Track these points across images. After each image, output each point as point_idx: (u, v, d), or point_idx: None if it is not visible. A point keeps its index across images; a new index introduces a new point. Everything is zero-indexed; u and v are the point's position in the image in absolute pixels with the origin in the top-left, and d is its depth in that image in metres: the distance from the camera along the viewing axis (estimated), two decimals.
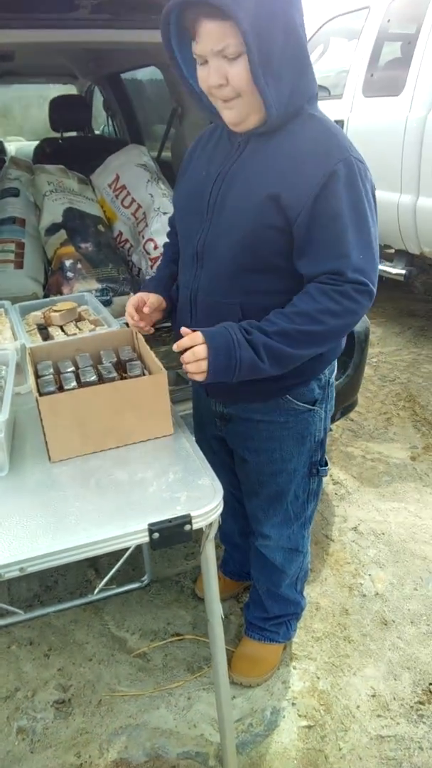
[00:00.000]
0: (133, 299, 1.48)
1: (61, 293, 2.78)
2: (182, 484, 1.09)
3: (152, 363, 1.31)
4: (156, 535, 0.98)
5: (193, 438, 1.25)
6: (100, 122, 5.33)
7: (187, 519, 1.00)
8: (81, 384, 1.26)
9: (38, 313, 1.66)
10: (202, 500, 1.04)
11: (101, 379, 1.30)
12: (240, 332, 1.22)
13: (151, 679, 1.90)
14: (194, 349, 1.21)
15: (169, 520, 0.99)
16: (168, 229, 1.67)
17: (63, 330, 1.61)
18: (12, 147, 5.59)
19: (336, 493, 2.71)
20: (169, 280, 1.58)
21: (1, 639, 2.05)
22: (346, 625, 2.06)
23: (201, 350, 1.20)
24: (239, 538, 2.02)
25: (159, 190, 2.96)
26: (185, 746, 1.71)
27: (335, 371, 1.57)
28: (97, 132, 5.18)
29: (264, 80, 1.13)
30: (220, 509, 1.05)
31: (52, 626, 2.10)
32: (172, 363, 2.56)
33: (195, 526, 1.00)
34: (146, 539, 0.99)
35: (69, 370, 1.33)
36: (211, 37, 1.12)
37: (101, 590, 2.09)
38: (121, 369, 1.36)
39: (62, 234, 2.85)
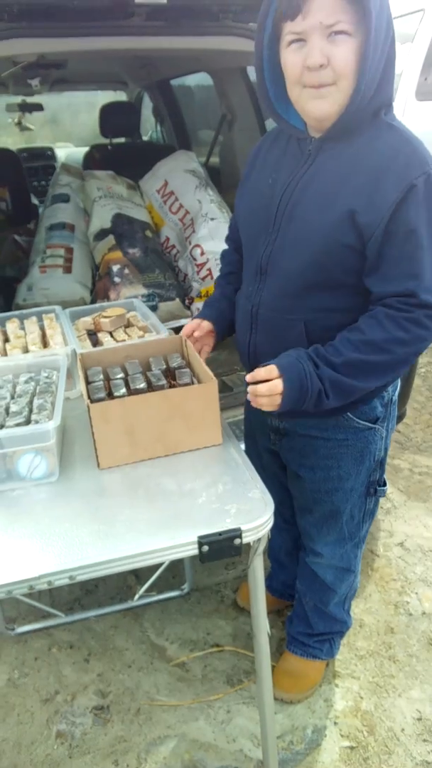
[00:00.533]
0: (188, 327, 1.48)
1: (108, 298, 2.80)
2: (232, 495, 1.07)
3: (202, 371, 1.30)
4: (205, 548, 0.96)
5: (242, 448, 1.22)
6: (148, 128, 5.38)
7: (237, 533, 0.98)
8: (131, 391, 1.25)
9: (88, 318, 1.66)
10: (253, 513, 1.02)
11: (150, 387, 1.29)
12: (311, 364, 1.19)
13: (190, 690, 1.88)
14: (271, 384, 1.18)
15: (219, 534, 0.97)
16: (226, 233, 1.61)
17: (112, 336, 1.61)
18: (62, 153, 5.68)
19: (382, 507, 2.64)
20: (224, 302, 1.52)
21: (42, 641, 2.06)
22: (392, 645, 2.00)
23: (277, 385, 1.18)
24: (285, 556, 1.98)
25: (207, 196, 2.95)
26: (224, 761, 1.68)
27: (398, 389, 1.50)
28: (144, 138, 5.23)
29: (369, 64, 1.07)
30: (271, 523, 1.02)
31: (92, 630, 2.10)
32: (218, 370, 2.56)
33: (245, 540, 0.98)
34: (195, 552, 0.97)
35: (119, 376, 1.33)
36: (324, 9, 1.05)
37: (141, 597, 2.09)
38: (170, 376, 1.35)
39: (110, 239, 2.87)
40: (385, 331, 1.16)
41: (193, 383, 1.30)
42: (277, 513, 1.76)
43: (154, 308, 2.80)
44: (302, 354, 1.21)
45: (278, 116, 1.27)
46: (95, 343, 1.61)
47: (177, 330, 2.94)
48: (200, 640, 2.05)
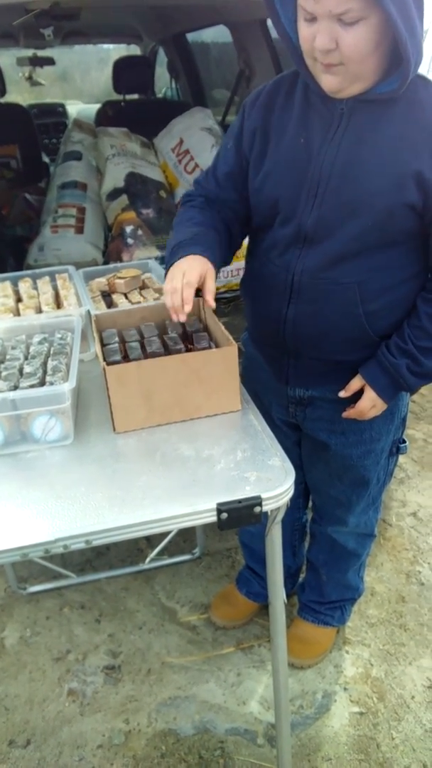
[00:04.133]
0: (193, 276, 1.17)
1: (120, 260, 2.75)
2: (251, 463, 1.04)
3: (221, 335, 1.26)
4: (224, 515, 0.94)
5: (261, 415, 1.19)
6: (161, 85, 5.22)
7: (257, 501, 0.95)
8: (147, 354, 1.22)
9: (102, 279, 1.62)
10: (273, 482, 0.99)
11: (167, 350, 1.25)
12: (385, 352, 1.27)
13: (200, 651, 1.89)
14: (366, 397, 1.30)
15: (239, 501, 0.95)
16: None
17: (127, 298, 1.57)
18: (73, 110, 5.54)
19: (395, 477, 2.62)
20: (218, 245, 1.29)
21: (54, 601, 2.08)
22: (403, 613, 2.00)
23: (368, 392, 1.30)
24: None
25: None
26: (234, 722, 1.69)
27: None
28: (159, 95, 5.08)
29: (405, 34, 0.98)
30: (291, 492, 0.99)
31: (104, 592, 2.11)
32: (233, 335, 2.52)
33: (265, 508, 0.95)
34: (214, 519, 0.95)
35: (134, 339, 1.29)
36: None
37: (152, 560, 2.10)
38: (188, 340, 1.31)
39: (124, 199, 2.81)
40: None
41: (211, 347, 1.26)
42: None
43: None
44: (382, 357, 1.27)
45: (307, 71, 1.15)
46: (110, 304, 1.57)
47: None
48: (211, 604, 2.06)
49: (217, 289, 2.87)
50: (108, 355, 1.21)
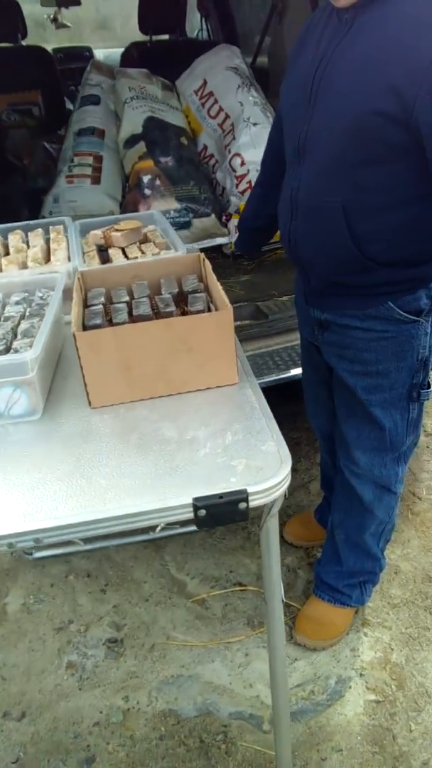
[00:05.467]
0: None
1: (137, 212, 2.58)
2: (241, 447, 0.89)
3: (219, 297, 1.10)
4: (202, 512, 0.81)
5: (260, 390, 1.04)
6: (195, 26, 4.90)
7: (242, 495, 0.81)
8: (132, 318, 1.08)
9: (98, 232, 1.47)
10: (264, 472, 0.84)
11: (158, 314, 1.11)
12: None
13: (208, 629, 1.80)
14: None
15: (220, 496, 0.81)
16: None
17: (125, 252, 1.42)
18: (101, 54, 5.26)
19: (427, 447, 2.44)
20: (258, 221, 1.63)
21: (60, 567, 2.01)
22: (429, 594, 1.86)
23: None
24: None
25: (250, 98, 2.64)
26: (238, 706, 1.60)
27: None
28: (191, 36, 4.78)
29: None
30: (287, 483, 0.85)
31: (111, 560, 2.04)
32: (253, 294, 2.35)
33: (253, 504, 0.81)
34: (190, 515, 0.82)
35: (123, 300, 1.15)
36: None
37: (164, 528, 2.00)
38: (183, 301, 1.16)
39: (141, 146, 2.62)
40: None
41: (208, 311, 1.11)
42: (327, 430, 1.70)
43: (187, 224, 2.57)
44: None
45: None
46: (105, 260, 1.43)
47: (214, 250, 2.73)
48: (222, 577, 1.96)
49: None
50: (88, 318, 1.08)
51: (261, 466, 0.85)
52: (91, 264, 1.35)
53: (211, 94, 2.72)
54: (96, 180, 2.73)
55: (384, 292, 1.28)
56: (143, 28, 3.77)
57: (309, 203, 1.25)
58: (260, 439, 0.91)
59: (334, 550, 1.71)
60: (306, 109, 1.21)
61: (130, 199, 2.60)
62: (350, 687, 1.64)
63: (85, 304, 1.15)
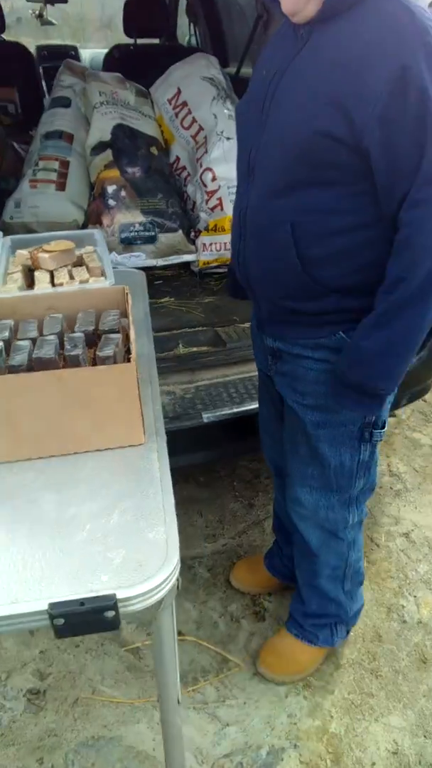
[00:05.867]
0: None
1: (100, 223, 2.45)
2: (125, 533, 0.74)
3: (132, 341, 0.96)
4: (60, 620, 0.66)
5: (166, 453, 0.90)
6: (186, 33, 4.78)
7: (109, 602, 0.66)
8: (31, 360, 0.94)
9: (25, 252, 1.33)
10: (144, 569, 0.69)
11: (64, 359, 0.97)
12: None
13: (138, 682, 1.66)
14: None
15: (81, 602, 0.66)
16: None
17: (52, 277, 1.28)
18: (88, 54, 5.12)
19: (391, 488, 2.32)
20: None
21: None
22: (377, 655, 1.73)
23: None
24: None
25: (225, 111, 2.52)
26: None
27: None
28: (183, 44, 4.66)
29: None
30: (171, 582, 0.71)
31: None
32: (213, 319, 2.22)
33: (124, 611, 0.67)
34: (46, 623, 0.67)
35: (29, 335, 1.01)
36: None
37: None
38: (97, 343, 1.02)
39: (108, 154, 2.49)
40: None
41: (125, 354, 0.97)
42: (283, 467, 1.55)
43: (152, 239, 2.45)
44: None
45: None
46: (30, 284, 1.29)
47: (181, 267, 2.60)
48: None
49: (208, 263, 2.52)
50: None
51: (142, 560, 0.71)
52: (8, 288, 1.20)
53: (185, 104, 2.60)
54: (61, 186, 2.59)
55: (336, 320, 1.21)
56: (127, 30, 3.65)
57: (257, 223, 1.19)
58: (150, 522, 0.76)
59: (298, 589, 1.63)
60: (257, 126, 1.15)
61: (93, 209, 2.46)
62: (282, 759, 1.50)
63: None
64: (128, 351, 1.04)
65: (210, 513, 2.22)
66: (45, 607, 0.66)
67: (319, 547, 1.50)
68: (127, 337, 1.05)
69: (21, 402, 0.84)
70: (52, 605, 0.66)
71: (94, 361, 0.99)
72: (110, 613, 0.66)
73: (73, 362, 0.97)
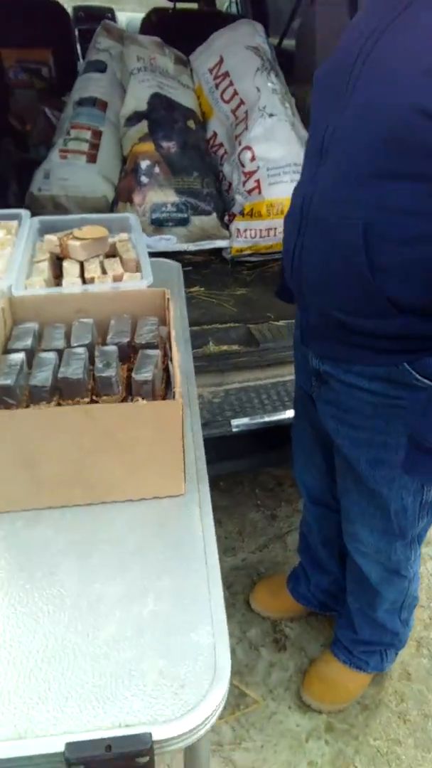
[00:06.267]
0: None
1: (131, 201, 2.27)
2: (163, 628, 0.57)
3: (175, 362, 0.80)
4: None
5: (210, 507, 0.73)
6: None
7: (143, 747, 0.48)
8: (57, 379, 0.78)
9: (54, 237, 1.16)
10: (185, 694, 0.52)
11: (93, 378, 0.81)
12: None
13: None
14: None
15: (108, 746, 0.48)
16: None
17: (82, 268, 1.12)
18: (124, 17, 4.87)
19: None
20: None
21: None
22: (405, 696, 1.60)
23: None
24: (326, 553, 1.58)
25: (269, 84, 2.31)
26: None
27: None
28: (222, 9, 4.40)
29: None
30: (219, 710, 0.54)
31: None
32: (246, 315, 2.05)
33: (160, 752, 0.51)
34: None
35: (55, 345, 0.85)
36: None
37: None
38: (131, 358, 0.86)
39: (143, 126, 2.30)
40: None
41: (153, 384, 0.80)
42: (318, 494, 1.47)
43: (185, 221, 2.27)
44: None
45: None
46: (57, 275, 1.12)
47: (212, 253, 2.42)
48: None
49: (241, 250, 2.31)
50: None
51: (183, 677, 0.53)
52: (31, 282, 1.04)
53: (226, 74, 2.39)
54: (92, 158, 2.41)
55: (400, 348, 1.03)
56: None
57: (322, 217, 1.00)
58: (192, 613, 0.59)
59: (349, 615, 1.49)
60: (339, 98, 0.96)
61: (124, 185, 2.28)
62: None
63: (5, 348, 0.85)
64: (166, 370, 0.88)
65: (229, 523, 2.08)
66: (60, 748, 0.49)
67: (379, 582, 1.37)
68: (165, 354, 0.89)
69: (42, 441, 0.68)
70: (71, 747, 0.49)
71: (128, 383, 0.84)
72: (143, 760, 0.50)
73: (104, 385, 0.81)
